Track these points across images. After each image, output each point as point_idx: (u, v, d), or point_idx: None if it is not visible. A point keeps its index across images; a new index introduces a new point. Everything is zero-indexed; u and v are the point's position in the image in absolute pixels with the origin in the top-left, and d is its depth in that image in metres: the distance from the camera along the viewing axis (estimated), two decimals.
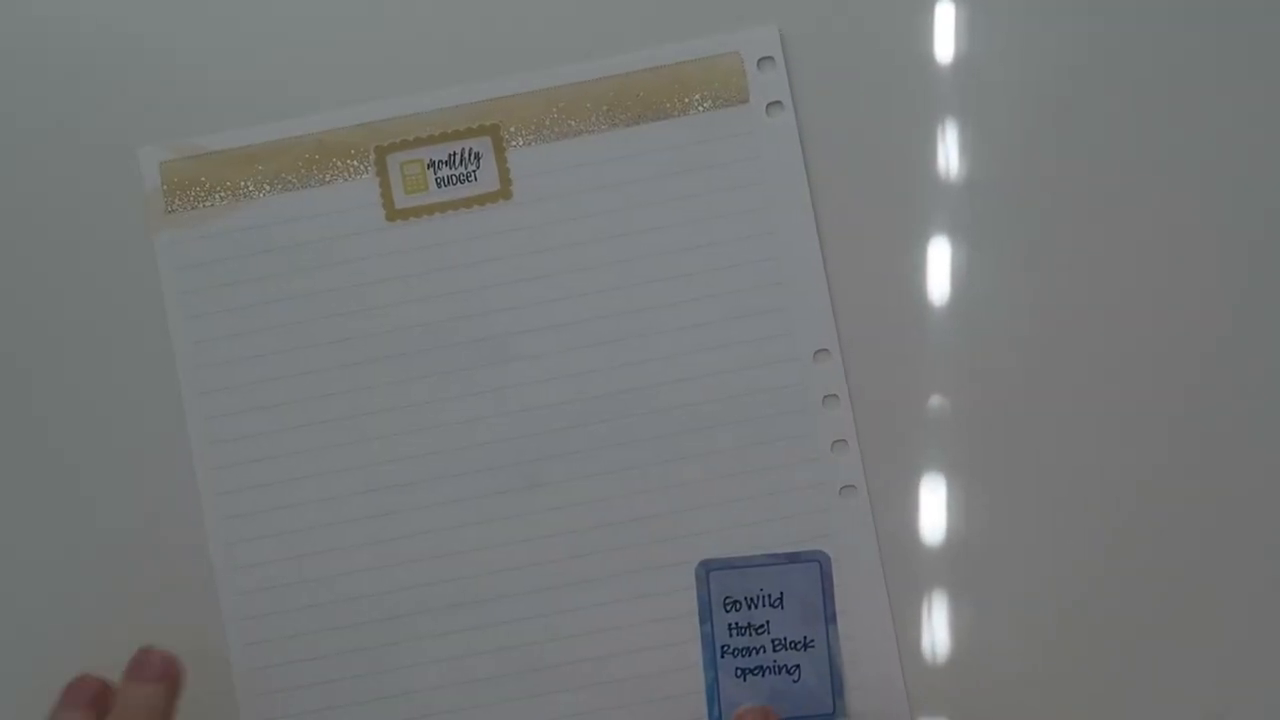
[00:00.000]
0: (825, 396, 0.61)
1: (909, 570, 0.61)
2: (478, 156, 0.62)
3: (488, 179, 0.62)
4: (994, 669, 0.60)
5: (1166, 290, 0.62)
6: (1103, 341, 0.61)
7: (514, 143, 0.62)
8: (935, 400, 0.61)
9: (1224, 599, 0.60)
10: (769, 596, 0.61)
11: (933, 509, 0.61)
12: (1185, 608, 0.60)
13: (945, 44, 0.63)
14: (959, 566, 0.61)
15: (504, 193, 0.62)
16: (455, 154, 0.62)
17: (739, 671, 0.60)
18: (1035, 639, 0.60)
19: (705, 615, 0.61)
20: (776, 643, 0.61)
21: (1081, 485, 0.61)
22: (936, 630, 0.60)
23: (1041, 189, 0.62)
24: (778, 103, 0.62)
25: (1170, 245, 0.62)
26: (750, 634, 0.61)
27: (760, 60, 0.63)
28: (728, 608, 0.61)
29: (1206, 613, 0.60)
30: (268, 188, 0.63)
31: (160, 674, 0.55)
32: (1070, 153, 0.62)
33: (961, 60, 0.63)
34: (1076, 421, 0.61)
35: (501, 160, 0.62)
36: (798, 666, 0.60)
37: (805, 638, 0.61)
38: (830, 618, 0.61)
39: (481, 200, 0.62)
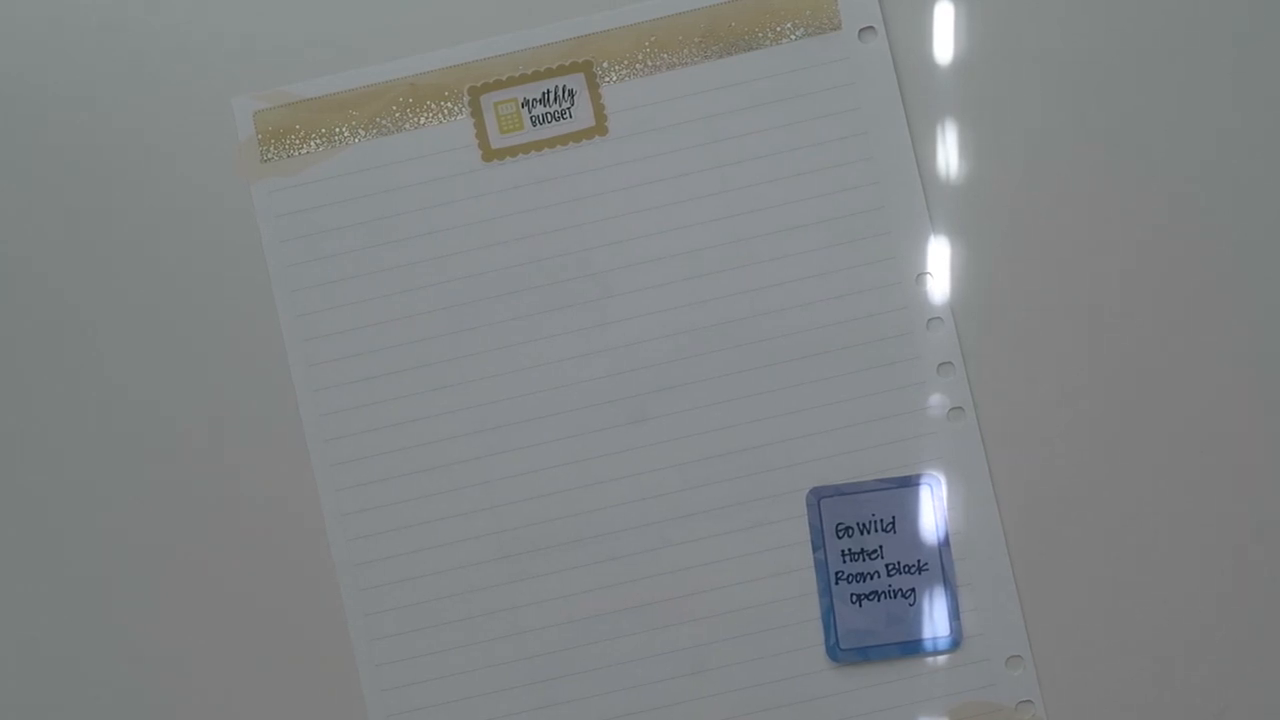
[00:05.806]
0: (930, 320, 0.61)
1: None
2: (571, 94, 0.62)
3: (583, 115, 0.62)
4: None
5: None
6: None
7: (607, 78, 0.62)
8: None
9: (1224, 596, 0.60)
10: (881, 521, 0.61)
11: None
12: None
13: None
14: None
15: (599, 129, 0.62)
16: (549, 92, 0.62)
17: (854, 597, 0.60)
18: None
19: (818, 542, 0.61)
20: (890, 567, 0.60)
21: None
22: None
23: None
24: (870, 28, 0.62)
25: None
26: (864, 559, 0.61)
27: None
28: (840, 534, 0.61)
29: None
30: (362, 133, 0.63)
31: None
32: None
33: None
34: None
35: (595, 96, 0.62)
36: (913, 590, 0.60)
37: (919, 561, 0.60)
38: (943, 540, 0.60)
39: (577, 137, 0.62)
